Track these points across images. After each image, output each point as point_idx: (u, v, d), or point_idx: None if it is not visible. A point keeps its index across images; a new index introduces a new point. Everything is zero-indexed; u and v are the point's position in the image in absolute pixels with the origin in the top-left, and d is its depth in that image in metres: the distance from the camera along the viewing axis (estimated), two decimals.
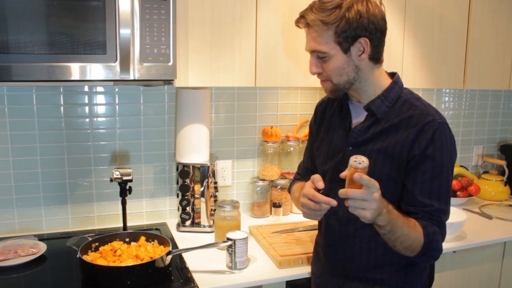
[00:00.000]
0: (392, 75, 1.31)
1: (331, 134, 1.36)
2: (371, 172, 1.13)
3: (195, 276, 1.47)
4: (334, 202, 1.13)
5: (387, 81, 1.28)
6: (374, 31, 1.19)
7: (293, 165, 2.18)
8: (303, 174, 1.55)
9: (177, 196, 1.95)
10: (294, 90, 2.20)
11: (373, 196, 1.04)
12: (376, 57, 1.23)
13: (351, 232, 1.29)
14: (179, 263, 1.57)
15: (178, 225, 1.91)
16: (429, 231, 1.18)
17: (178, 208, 1.93)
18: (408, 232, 1.15)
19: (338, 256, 1.34)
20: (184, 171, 1.84)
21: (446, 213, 1.24)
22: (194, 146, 1.84)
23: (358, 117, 1.30)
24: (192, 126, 1.83)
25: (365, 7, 1.16)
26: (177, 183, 1.89)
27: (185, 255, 1.61)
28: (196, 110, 1.82)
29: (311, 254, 1.57)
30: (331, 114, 1.40)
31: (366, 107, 1.26)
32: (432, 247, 1.19)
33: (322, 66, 1.23)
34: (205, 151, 1.87)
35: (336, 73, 1.21)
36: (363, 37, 1.17)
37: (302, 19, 1.21)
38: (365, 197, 1.04)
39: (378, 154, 1.23)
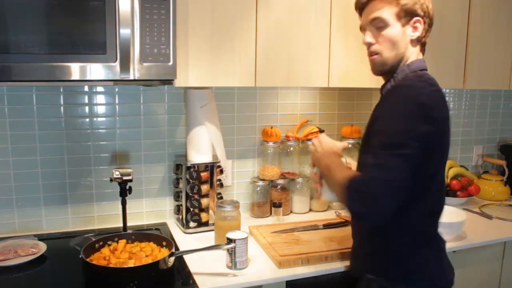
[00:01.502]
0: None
1: None
2: None
3: (195, 276, 1.47)
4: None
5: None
6: (426, 16, 1.31)
7: (293, 165, 2.18)
8: None
9: (179, 196, 1.95)
10: (294, 90, 2.20)
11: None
12: (424, 43, 1.34)
13: None
14: (179, 263, 1.57)
15: (183, 225, 1.90)
16: (352, 177, 1.19)
17: (179, 209, 1.93)
18: (333, 171, 1.27)
19: None
20: (192, 171, 1.84)
21: (377, 167, 1.13)
22: (204, 146, 1.86)
23: None
24: (203, 126, 1.85)
25: None
26: (187, 183, 1.86)
27: (185, 256, 1.61)
28: (206, 110, 1.84)
29: (312, 254, 1.58)
30: None
31: (380, 89, 1.37)
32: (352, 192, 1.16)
33: (377, 37, 1.31)
34: (212, 151, 1.89)
35: (389, 44, 1.29)
36: (418, 17, 1.29)
37: None
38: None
39: (369, 126, 1.33)
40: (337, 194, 1.24)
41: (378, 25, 1.29)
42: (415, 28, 1.30)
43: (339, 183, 1.21)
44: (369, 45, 1.33)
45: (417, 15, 1.29)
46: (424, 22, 1.31)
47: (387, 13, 1.28)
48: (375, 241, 1.33)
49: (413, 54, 1.32)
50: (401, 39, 1.29)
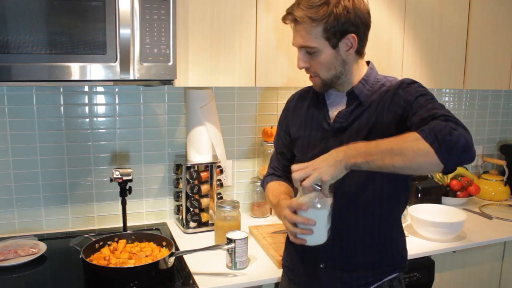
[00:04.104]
0: (367, 63, 1.33)
1: (309, 126, 1.36)
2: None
3: (195, 276, 1.47)
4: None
5: (366, 69, 1.31)
6: (361, 26, 1.21)
7: None
8: (283, 169, 1.50)
9: (179, 196, 1.95)
10: (294, 90, 2.20)
11: (310, 167, 1.09)
12: (361, 51, 1.27)
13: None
14: (179, 263, 1.57)
15: (183, 225, 1.90)
16: (425, 127, 1.05)
17: (179, 209, 1.93)
18: (388, 141, 1.05)
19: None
20: (192, 171, 1.84)
21: (452, 116, 1.09)
22: (204, 146, 1.86)
23: (337, 105, 1.31)
24: (203, 126, 1.85)
25: (352, 2, 1.18)
26: (187, 183, 1.87)
27: (185, 256, 1.61)
28: (206, 110, 1.83)
29: None
30: (306, 106, 1.40)
31: (349, 92, 1.28)
32: (441, 135, 1.01)
33: (310, 61, 1.24)
34: (212, 151, 1.89)
35: (324, 68, 1.23)
36: (351, 33, 1.20)
37: (289, 16, 1.21)
38: (305, 173, 1.08)
39: (366, 127, 1.23)
40: (413, 153, 1.02)
41: (309, 51, 1.22)
42: (348, 45, 1.21)
43: (412, 143, 1.02)
44: (304, 69, 1.27)
45: (348, 31, 1.19)
46: (358, 34, 1.20)
47: (315, 38, 1.18)
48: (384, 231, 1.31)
49: (357, 63, 1.27)
50: (336, 60, 1.22)
